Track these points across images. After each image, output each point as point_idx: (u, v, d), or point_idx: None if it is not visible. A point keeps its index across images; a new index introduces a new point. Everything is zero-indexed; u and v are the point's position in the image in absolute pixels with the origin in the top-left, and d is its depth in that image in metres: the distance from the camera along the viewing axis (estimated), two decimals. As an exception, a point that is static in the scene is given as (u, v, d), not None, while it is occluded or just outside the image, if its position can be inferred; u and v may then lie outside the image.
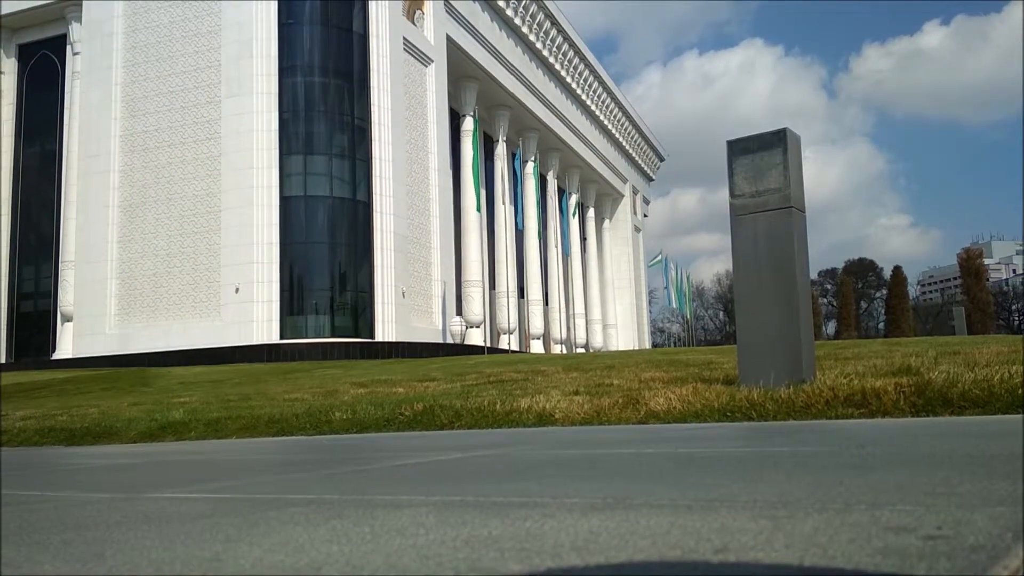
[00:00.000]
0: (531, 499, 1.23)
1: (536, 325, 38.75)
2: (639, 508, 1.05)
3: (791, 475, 1.37)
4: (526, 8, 37.98)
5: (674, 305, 55.13)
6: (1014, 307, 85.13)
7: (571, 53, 42.97)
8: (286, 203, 26.55)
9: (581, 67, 44.53)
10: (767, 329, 4.06)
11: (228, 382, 12.79)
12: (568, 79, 43.13)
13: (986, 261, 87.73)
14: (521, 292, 38.43)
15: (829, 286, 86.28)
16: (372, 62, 28.23)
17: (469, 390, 6.18)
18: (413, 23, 30.61)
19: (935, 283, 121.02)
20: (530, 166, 37.70)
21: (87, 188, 28.44)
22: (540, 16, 39.20)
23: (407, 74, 29.78)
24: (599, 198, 52.47)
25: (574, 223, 45.45)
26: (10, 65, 33.11)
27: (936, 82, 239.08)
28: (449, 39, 32.52)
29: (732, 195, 4.23)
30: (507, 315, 34.57)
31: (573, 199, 44.46)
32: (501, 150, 38.16)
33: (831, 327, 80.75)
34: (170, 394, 10.31)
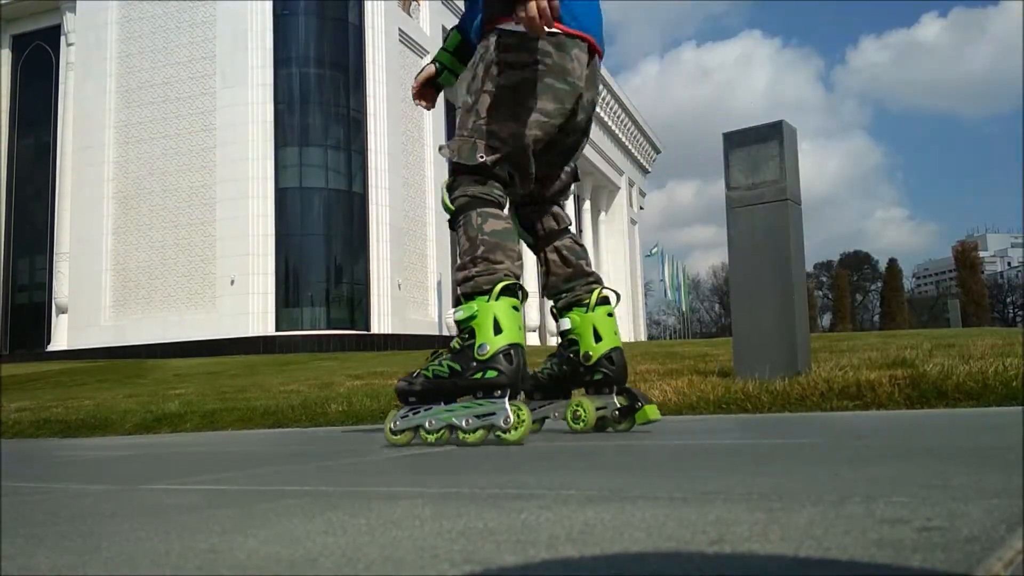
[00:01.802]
0: (527, 491, 1.23)
1: (532, 317, 38.74)
2: (635, 500, 1.06)
3: (786, 467, 1.38)
4: None
5: (670, 298, 55.20)
6: (1009, 300, 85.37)
7: (567, 45, 42.85)
8: (281, 195, 26.50)
9: (577, 59, 44.42)
10: (763, 322, 4.07)
11: (224, 374, 12.79)
12: (564, 71, 43.01)
13: (981, 254, 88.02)
14: (517, 284, 38.35)
15: (824, 279, 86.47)
16: (368, 53, 28.15)
17: (465, 382, 6.17)
18: (409, 15, 30.52)
19: (930, 276, 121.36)
20: (526, 158, 37.64)
21: (81, 180, 28.34)
22: (536, 8, 39.07)
23: (403, 65, 29.72)
24: (595, 191, 52.42)
25: (570, 215, 45.36)
26: (4, 56, 32.93)
27: (933, 75, 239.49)
28: (445, 30, 32.41)
29: (728, 187, 4.23)
30: (503, 307, 34.49)
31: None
32: (497, 142, 38.09)
33: (826, 320, 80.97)
34: (166, 386, 10.31)
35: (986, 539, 0.72)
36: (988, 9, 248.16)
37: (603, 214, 54.20)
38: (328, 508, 1.16)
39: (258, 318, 25.20)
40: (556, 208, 2.70)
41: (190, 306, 26.10)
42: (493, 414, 2.18)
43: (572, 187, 2.75)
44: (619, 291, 2.68)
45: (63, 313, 28.39)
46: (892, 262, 78.11)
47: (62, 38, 30.43)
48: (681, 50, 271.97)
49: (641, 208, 60.54)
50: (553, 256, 2.64)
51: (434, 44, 31.49)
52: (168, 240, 26.64)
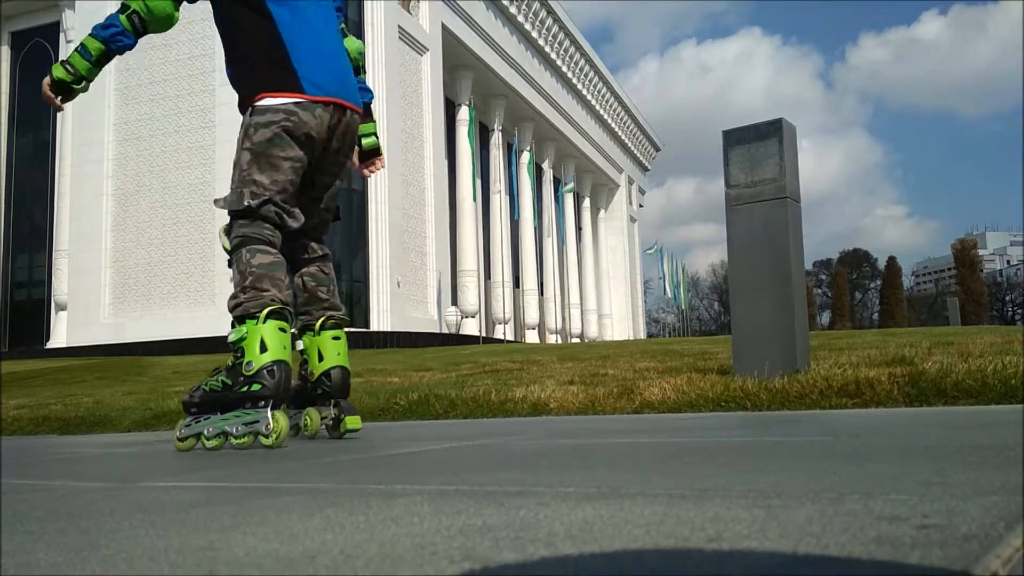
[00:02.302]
0: (526, 488, 1.23)
1: (531, 315, 38.72)
2: (633, 497, 1.06)
3: (785, 465, 1.38)
4: (522, -3, 37.78)
5: (669, 295, 55.18)
6: (1008, 298, 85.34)
7: (567, 43, 42.80)
8: (281, 192, 26.41)
9: (577, 56, 44.36)
10: (762, 319, 4.07)
11: (223, 371, 12.75)
12: (564, 69, 42.98)
13: (980, 252, 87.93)
14: (516, 282, 38.38)
15: (824, 277, 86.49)
16: (367, 50, 28.04)
17: (464, 380, 6.19)
18: (408, 12, 30.45)
19: (929, 274, 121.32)
20: (525, 156, 37.64)
21: (80, 177, 28.28)
22: (536, 5, 39.01)
23: (402, 63, 29.65)
24: (595, 188, 52.37)
25: (569, 213, 45.36)
26: (3, 52, 32.85)
27: (933, 73, 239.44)
28: (445, 28, 32.36)
29: (727, 185, 4.23)
30: (502, 305, 34.55)
31: (568, 186, 44.34)
32: (497, 139, 38.04)
33: (825, 317, 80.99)
34: (165, 383, 10.30)
35: (984, 537, 0.72)
36: (988, 7, 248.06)
37: (602, 212, 54.17)
38: (326, 505, 1.16)
39: (257, 315, 25.16)
40: (307, 241, 3.12)
41: (189, 303, 26.07)
42: (258, 422, 2.53)
43: (328, 224, 3.23)
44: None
45: (62, 310, 28.36)
46: (891, 260, 78.03)
47: (61, 35, 30.36)
48: (680, 48, 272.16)
49: (640, 206, 60.51)
50: (298, 282, 3.07)
51: (434, 41, 31.45)
52: (167, 237, 26.62)
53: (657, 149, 63.63)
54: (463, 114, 34.18)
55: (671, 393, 3.63)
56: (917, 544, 0.70)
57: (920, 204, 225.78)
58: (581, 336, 45.92)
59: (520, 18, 37.60)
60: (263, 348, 2.58)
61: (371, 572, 0.72)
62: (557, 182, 44.37)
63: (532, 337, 37.91)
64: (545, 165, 43.34)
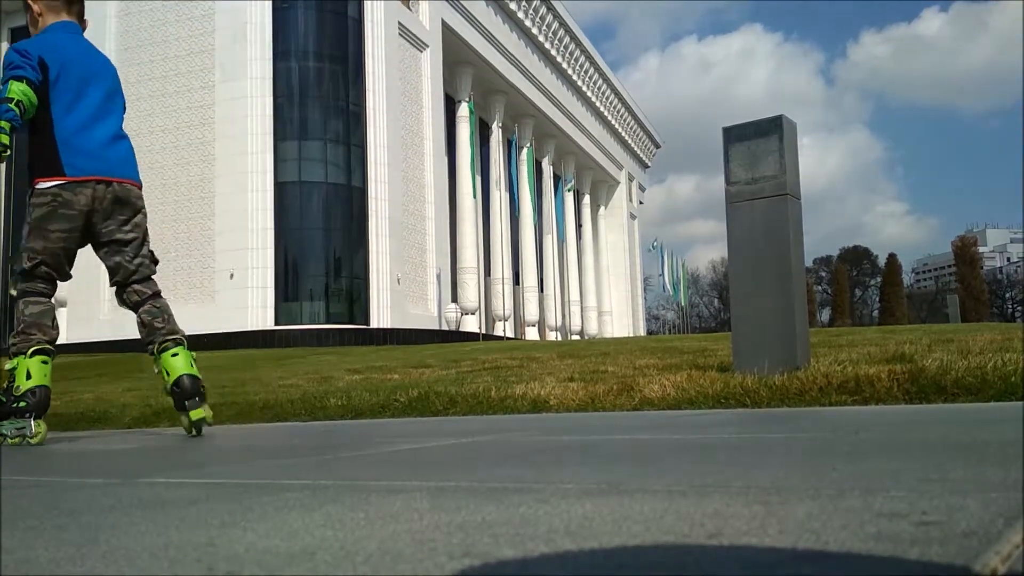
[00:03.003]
0: (525, 485, 1.23)
1: (531, 312, 38.72)
2: (633, 494, 1.06)
3: (785, 461, 1.38)
4: (522, -7, 37.72)
5: (669, 292, 55.18)
6: (1008, 295, 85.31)
7: (567, 39, 42.75)
8: (281, 189, 26.43)
9: (577, 53, 44.31)
10: (762, 316, 4.06)
11: (222, 368, 12.77)
12: (564, 65, 42.93)
13: (980, 249, 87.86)
14: (516, 279, 38.37)
15: (824, 273, 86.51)
16: (367, 47, 28.02)
17: (464, 377, 6.19)
18: (408, 8, 30.39)
19: (929, 271, 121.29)
20: (525, 152, 37.60)
21: (80, 173, 28.18)
22: (536, 2, 38.96)
23: (402, 59, 29.60)
24: (595, 185, 52.35)
25: (569, 210, 45.34)
26: (3, 49, 32.78)
27: (934, 70, 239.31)
28: (445, 24, 32.31)
29: (728, 182, 4.23)
30: (502, 302, 34.54)
31: (569, 185, 44.31)
32: (496, 136, 38.00)
33: (825, 314, 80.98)
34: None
35: (984, 533, 0.72)
36: (989, 4, 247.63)
37: (602, 208, 54.14)
38: (326, 501, 1.16)
39: (257, 312, 25.17)
40: (136, 286, 3.85)
41: (189, 300, 26.06)
42: (24, 428, 3.43)
43: (150, 269, 3.87)
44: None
45: (62, 306, 28.35)
46: (892, 257, 77.99)
47: (61, 31, 30.30)
48: (681, 44, 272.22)
49: (641, 203, 60.47)
50: (138, 319, 3.84)
51: (434, 38, 31.41)
52: (167, 234, 26.59)
53: (657, 146, 63.56)
54: (463, 111, 34.15)
55: (671, 390, 3.63)
56: (916, 541, 0.70)
57: (920, 201, 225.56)
58: (581, 333, 45.91)
59: (520, 14, 37.56)
60: (28, 376, 3.49)
61: (371, 568, 0.72)
62: (557, 179, 44.33)
63: (532, 334, 37.91)
64: (545, 162, 43.29)
